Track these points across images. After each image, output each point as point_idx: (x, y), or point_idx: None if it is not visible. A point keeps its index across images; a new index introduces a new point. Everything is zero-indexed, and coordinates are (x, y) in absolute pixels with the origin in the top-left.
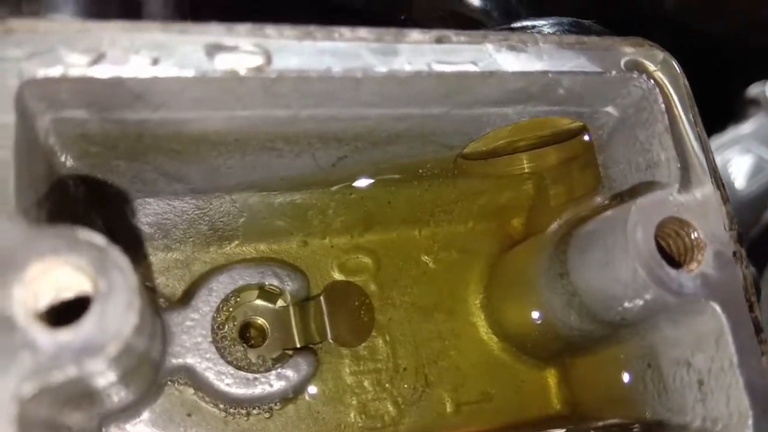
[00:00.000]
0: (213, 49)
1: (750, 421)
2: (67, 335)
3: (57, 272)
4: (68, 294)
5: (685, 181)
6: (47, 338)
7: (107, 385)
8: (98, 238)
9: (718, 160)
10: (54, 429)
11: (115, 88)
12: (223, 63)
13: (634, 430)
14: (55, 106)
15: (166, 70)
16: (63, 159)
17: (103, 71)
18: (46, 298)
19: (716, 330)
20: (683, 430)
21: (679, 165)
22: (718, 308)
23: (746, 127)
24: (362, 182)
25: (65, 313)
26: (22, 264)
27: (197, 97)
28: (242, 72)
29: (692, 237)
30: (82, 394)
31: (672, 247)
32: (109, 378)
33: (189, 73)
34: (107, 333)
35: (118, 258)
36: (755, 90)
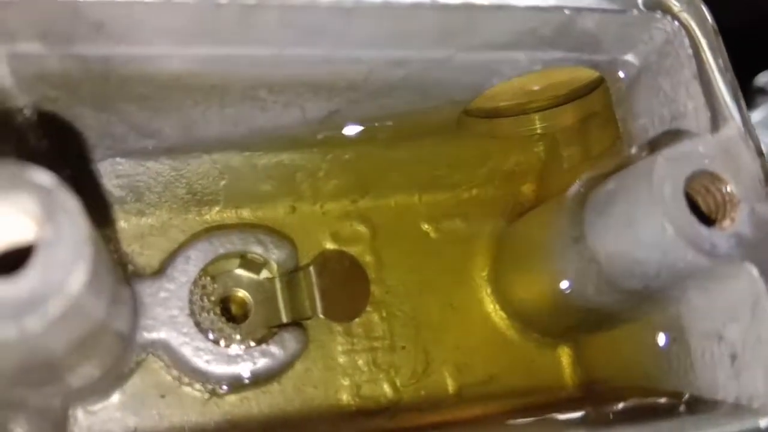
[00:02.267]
0: None
1: None
2: (3, 287)
3: None
4: (9, 240)
5: (716, 132)
6: None
7: (63, 355)
8: (46, 178)
9: None
10: (6, 407)
11: (71, 13)
12: None
13: (659, 410)
14: (5, 36)
15: None
16: (22, 106)
17: None
18: None
19: (752, 296)
20: (714, 409)
21: (709, 114)
22: (755, 271)
23: (754, 117)
24: (357, 142)
25: (5, 265)
26: None
27: (165, 28)
28: None
29: (724, 192)
30: (36, 365)
31: (702, 205)
32: (60, 344)
33: None
34: (50, 286)
35: (68, 201)
36: (763, 79)
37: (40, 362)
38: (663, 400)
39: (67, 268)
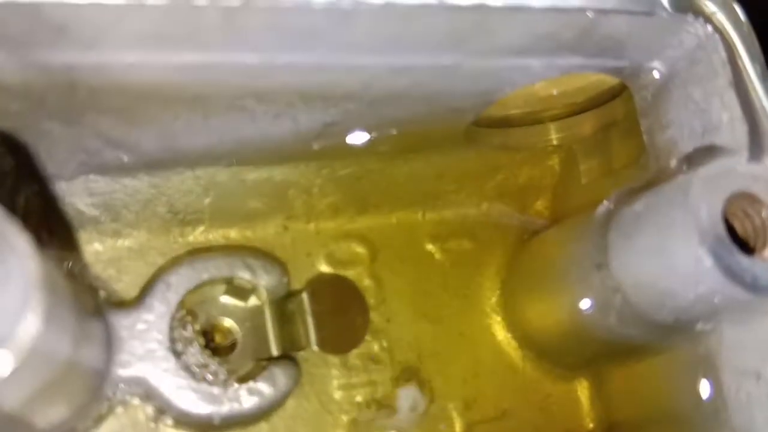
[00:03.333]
0: None
1: None
2: None
3: None
4: None
5: (755, 148)
6: None
7: (25, 404)
8: None
9: None
10: None
11: (29, 15)
12: None
13: None
14: None
15: None
16: None
17: None
18: None
19: None
20: None
21: (747, 127)
22: None
23: None
24: (355, 155)
25: None
26: None
27: (139, 33)
28: None
29: (765, 216)
30: None
31: (739, 230)
32: (21, 395)
33: None
34: None
35: (16, 240)
36: None
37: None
38: None
39: (13, 316)
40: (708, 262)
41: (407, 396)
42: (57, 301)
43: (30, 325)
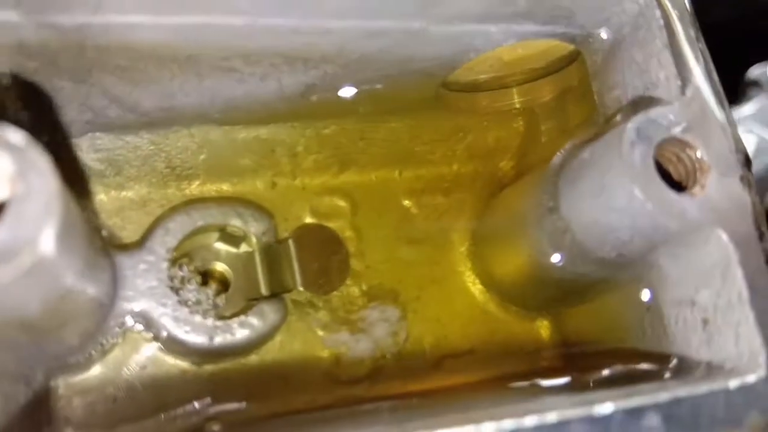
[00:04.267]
0: None
1: (762, 359)
2: None
3: None
4: None
5: (686, 100)
6: None
7: (38, 316)
8: (18, 137)
9: None
10: None
11: None
12: None
13: (635, 376)
14: None
15: None
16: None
17: None
18: None
19: (723, 261)
20: (687, 372)
21: (679, 83)
22: (724, 237)
23: (747, 109)
24: (336, 116)
25: None
26: None
27: None
28: None
29: (695, 159)
30: (12, 325)
31: (673, 172)
32: (34, 302)
33: None
34: (21, 239)
35: (38, 159)
36: (756, 72)
37: (16, 322)
38: (639, 365)
39: (37, 223)
40: (640, 197)
41: (384, 332)
42: (71, 220)
43: (50, 230)
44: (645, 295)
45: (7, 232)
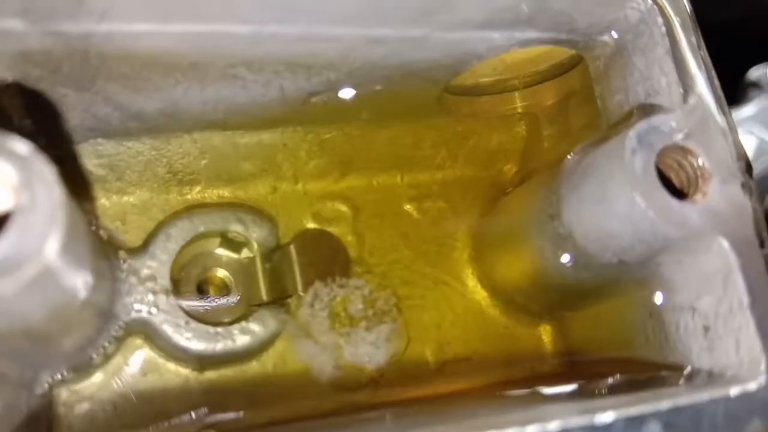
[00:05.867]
0: None
1: (763, 366)
2: None
3: None
4: None
5: (688, 107)
6: None
7: (40, 324)
8: (23, 146)
9: None
10: None
11: None
12: None
13: (636, 383)
14: None
15: None
16: (4, 84)
17: None
18: None
19: (724, 268)
20: (688, 379)
21: (681, 90)
22: (725, 244)
23: (747, 110)
24: (338, 122)
25: None
26: None
27: (146, 4)
28: None
29: (696, 166)
30: (15, 334)
31: (675, 180)
32: (37, 312)
33: None
34: (25, 249)
35: (43, 169)
36: (756, 73)
37: (20, 331)
38: (640, 373)
39: (42, 234)
40: (642, 204)
41: (387, 339)
42: (75, 229)
43: (55, 240)
44: (648, 300)
45: (12, 243)
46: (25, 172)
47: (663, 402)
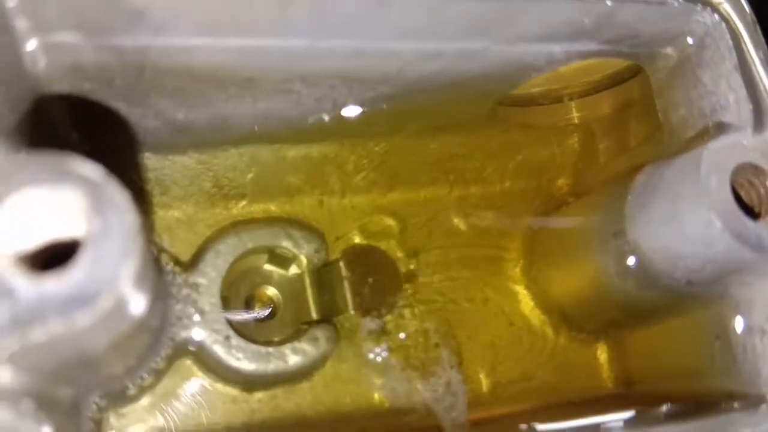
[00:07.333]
0: None
1: None
2: (52, 283)
3: (42, 209)
4: (55, 235)
5: (759, 125)
6: (28, 286)
7: (103, 351)
8: (93, 170)
9: None
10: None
11: (109, 2)
12: None
13: (700, 408)
14: (41, 25)
15: None
16: (56, 97)
17: None
18: (28, 240)
19: None
20: (757, 405)
21: (750, 107)
22: None
23: None
24: (387, 134)
25: (53, 261)
26: None
27: (203, 19)
28: None
29: None
30: (75, 362)
31: (745, 198)
32: (104, 341)
33: None
34: (99, 281)
35: (116, 194)
36: None
37: (76, 359)
38: (703, 398)
39: (116, 263)
40: (718, 225)
41: (437, 356)
42: (145, 255)
43: (130, 269)
44: (714, 321)
45: (86, 273)
46: (97, 197)
47: (728, 428)
